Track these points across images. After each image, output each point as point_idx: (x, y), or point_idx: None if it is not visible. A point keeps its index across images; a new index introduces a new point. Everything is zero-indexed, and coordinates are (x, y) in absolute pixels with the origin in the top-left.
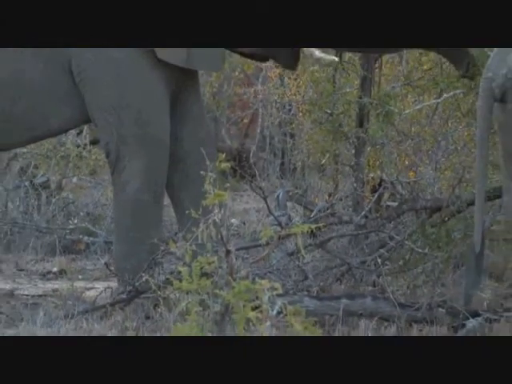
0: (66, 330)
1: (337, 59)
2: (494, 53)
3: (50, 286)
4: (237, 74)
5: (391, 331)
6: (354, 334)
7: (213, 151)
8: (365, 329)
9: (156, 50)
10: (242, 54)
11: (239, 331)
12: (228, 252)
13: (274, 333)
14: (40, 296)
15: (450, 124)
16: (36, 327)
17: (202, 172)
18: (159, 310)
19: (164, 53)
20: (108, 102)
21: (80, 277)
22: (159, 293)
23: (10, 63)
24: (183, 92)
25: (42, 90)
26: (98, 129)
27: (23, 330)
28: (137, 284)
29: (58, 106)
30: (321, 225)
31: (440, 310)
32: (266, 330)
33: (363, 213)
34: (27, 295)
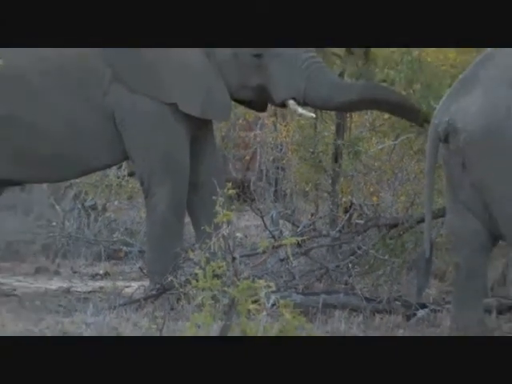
0: (109, 318)
1: (314, 115)
2: (439, 104)
3: (98, 284)
4: (240, 121)
5: (359, 319)
6: (330, 321)
7: (222, 181)
8: (338, 317)
9: (178, 104)
10: (244, 105)
11: (242, 319)
12: (234, 258)
13: (269, 321)
14: (90, 292)
15: (404, 160)
16: (86, 316)
17: (214, 197)
18: (181, 303)
19: (185, 106)
20: (142, 145)
21: (120, 277)
22: (181, 290)
23: (67, 113)
24: (201, 135)
25: (94, 137)
26: (135, 164)
27: (77, 318)
28: (164, 283)
29: (107, 148)
30: (305, 237)
31: (396, 302)
32: (263, 318)
33: (338, 228)
34: (80, 291)
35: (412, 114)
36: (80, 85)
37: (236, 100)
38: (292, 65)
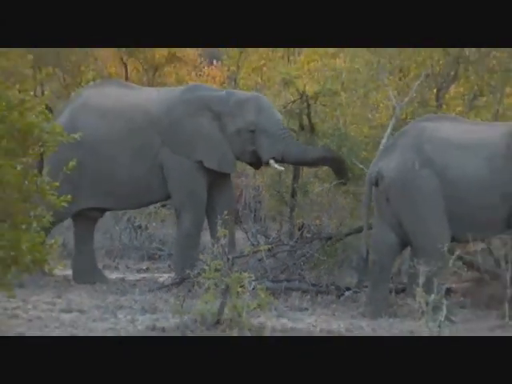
0: (149, 296)
1: (283, 169)
2: (373, 162)
3: (142, 275)
4: None
5: (307, 297)
6: (289, 299)
7: (232, 211)
8: (294, 296)
9: (203, 161)
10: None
11: (234, 299)
12: (228, 259)
13: (250, 299)
14: (137, 280)
15: (336, 197)
16: (135, 295)
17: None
18: (195, 287)
19: (207, 163)
20: (178, 188)
21: (156, 271)
22: (195, 279)
23: (134, 167)
24: (219, 182)
25: (151, 182)
26: (172, 199)
27: (129, 297)
28: (184, 274)
29: (157, 189)
30: (273, 245)
31: (331, 287)
32: (246, 297)
33: (294, 240)
34: (131, 280)
35: (343, 170)
36: (141, 148)
37: (238, 159)
38: (274, 137)
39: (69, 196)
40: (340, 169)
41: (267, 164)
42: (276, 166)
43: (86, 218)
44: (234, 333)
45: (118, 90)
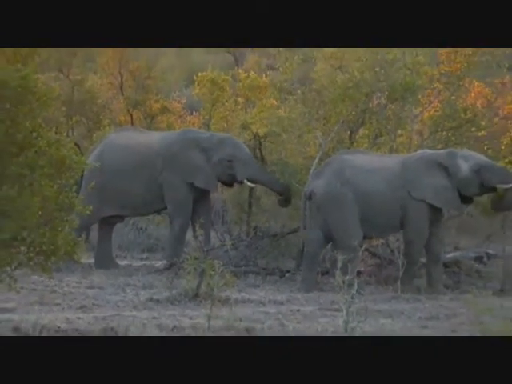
0: (148, 278)
1: (254, 185)
2: (308, 182)
3: (143, 262)
4: None
5: (260, 277)
6: (247, 279)
7: (209, 218)
8: (251, 277)
9: (194, 182)
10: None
11: (208, 279)
12: (204, 251)
13: (220, 279)
14: (139, 266)
15: (281, 209)
16: (138, 277)
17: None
18: (180, 271)
19: (198, 183)
20: (172, 200)
21: (153, 259)
22: (180, 265)
23: (143, 184)
24: (201, 197)
25: (154, 195)
26: (168, 208)
27: (134, 277)
28: (172, 262)
29: (158, 201)
30: (235, 241)
31: (277, 270)
32: (217, 277)
33: (250, 237)
34: (135, 265)
35: (287, 201)
36: (148, 173)
37: (219, 181)
38: (248, 164)
39: (91, 206)
40: (286, 201)
41: (241, 183)
42: (249, 184)
43: (107, 223)
44: (208, 303)
45: (134, 134)
